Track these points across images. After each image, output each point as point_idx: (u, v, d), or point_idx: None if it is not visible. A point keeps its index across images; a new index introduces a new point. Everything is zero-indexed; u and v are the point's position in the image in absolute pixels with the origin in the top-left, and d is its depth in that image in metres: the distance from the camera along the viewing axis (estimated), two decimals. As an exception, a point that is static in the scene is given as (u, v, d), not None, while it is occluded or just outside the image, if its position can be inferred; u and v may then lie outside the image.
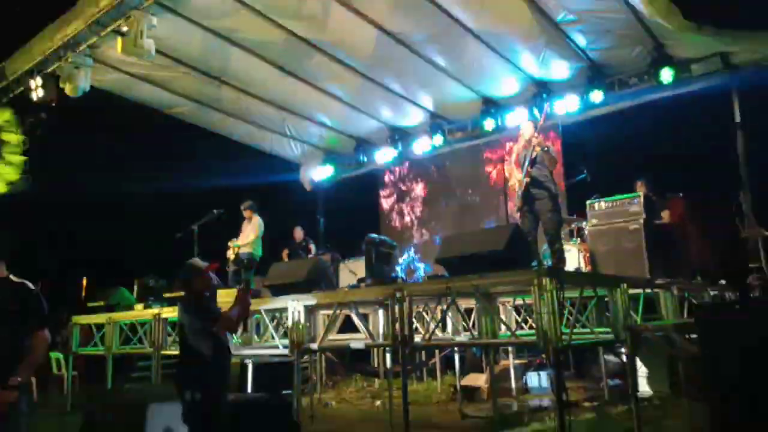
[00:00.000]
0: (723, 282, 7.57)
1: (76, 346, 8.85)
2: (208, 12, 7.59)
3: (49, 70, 8.23)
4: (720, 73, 7.95)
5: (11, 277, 3.31)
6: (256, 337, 7.13)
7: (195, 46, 8.31)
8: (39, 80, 8.27)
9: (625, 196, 6.46)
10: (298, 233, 10.05)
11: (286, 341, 5.89)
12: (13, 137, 9.01)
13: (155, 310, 7.58)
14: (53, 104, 8.40)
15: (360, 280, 6.56)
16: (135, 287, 8.52)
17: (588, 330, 6.23)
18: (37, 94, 8.30)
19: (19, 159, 8.98)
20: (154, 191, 11.17)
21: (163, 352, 7.54)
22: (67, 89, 7.77)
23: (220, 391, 4.11)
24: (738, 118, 7.90)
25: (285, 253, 9.76)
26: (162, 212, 10.89)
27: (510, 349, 8.52)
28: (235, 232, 8.76)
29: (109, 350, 8.05)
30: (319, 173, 12.48)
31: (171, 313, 7.51)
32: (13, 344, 3.15)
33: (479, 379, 8.08)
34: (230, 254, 8.53)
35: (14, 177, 9.01)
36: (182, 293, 4.50)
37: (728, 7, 7.57)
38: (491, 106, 9.92)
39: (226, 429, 4.04)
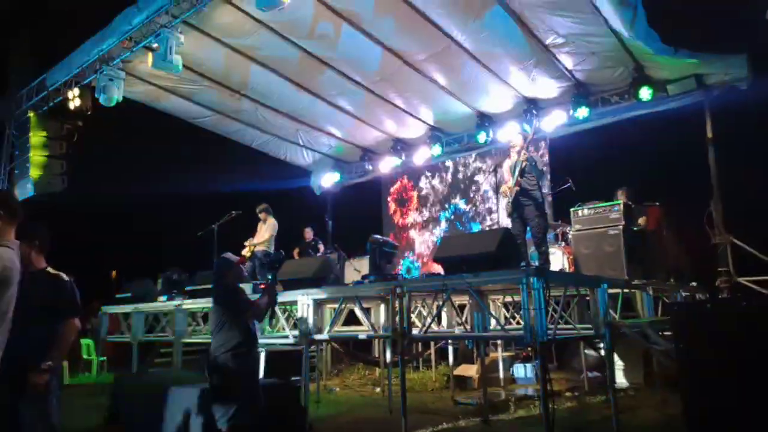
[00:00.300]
0: (694, 284, 7.55)
1: (105, 333, 8.87)
2: (231, 31, 7.61)
3: (85, 81, 8.27)
4: (694, 93, 7.95)
5: (48, 269, 3.31)
6: (268, 327, 7.13)
7: (218, 62, 8.34)
8: (76, 91, 8.30)
9: (606, 204, 6.46)
10: (308, 234, 10.06)
11: (296, 332, 5.89)
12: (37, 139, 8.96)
13: (177, 302, 7.59)
14: (88, 113, 8.44)
15: (364, 277, 6.54)
16: (160, 280, 8.53)
17: (571, 326, 6.22)
18: (74, 103, 8.33)
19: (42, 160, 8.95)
20: (179, 193, 11.20)
21: (183, 340, 7.55)
22: (101, 99, 7.79)
23: (250, 375, 4.13)
24: (710, 134, 7.89)
25: (296, 251, 9.76)
26: (185, 213, 10.92)
27: (499, 342, 8.50)
28: (251, 232, 8.77)
29: (134, 338, 8.06)
30: (328, 179, 12.50)
31: (192, 304, 7.53)
32: (47, 331, 3.15)
33: (470, 370, 8.07)
34: (246, 252, 8.54)
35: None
36: (216, 284, 4.55)
37: (702, 32, 7.56)
38: (485, 120, 9.92)
39: (257, 410, 4.05)
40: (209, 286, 7.38)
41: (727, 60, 7.60)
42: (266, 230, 8.44)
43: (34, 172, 8.86)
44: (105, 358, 9.81)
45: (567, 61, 8.13)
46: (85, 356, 9.90)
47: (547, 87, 8.82)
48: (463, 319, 6.96)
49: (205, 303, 7.37)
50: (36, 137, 9.03)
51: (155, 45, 7.01)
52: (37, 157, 9.03)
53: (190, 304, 7.52)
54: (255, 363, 4.38)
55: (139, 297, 8.41)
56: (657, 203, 7.57)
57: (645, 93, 8.18)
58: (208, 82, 8.83)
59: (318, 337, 6.00)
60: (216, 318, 4.36)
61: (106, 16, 7.55)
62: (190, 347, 8.92)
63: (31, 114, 9.17)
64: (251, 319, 4.24)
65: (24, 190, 8.97)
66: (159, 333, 8.04)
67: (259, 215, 8.53)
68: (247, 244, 8.50)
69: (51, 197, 9.07)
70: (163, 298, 8.01)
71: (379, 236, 7.13)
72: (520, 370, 8.34)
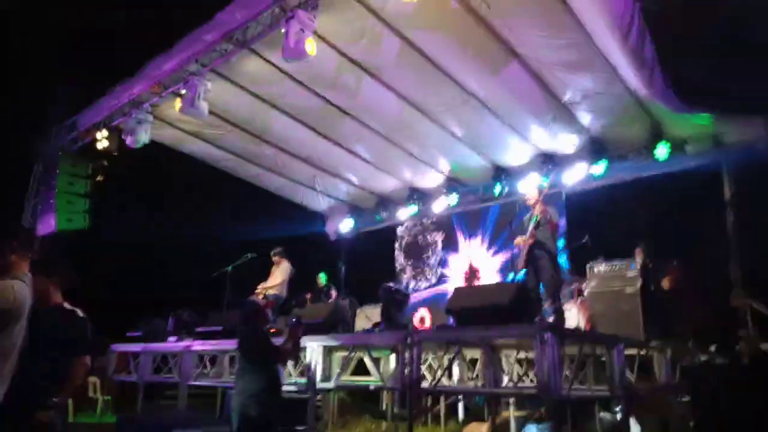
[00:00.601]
0: (713, 348, 7.30)
1: (112, 372, 8.80)
2: (256, 80, 7.87)
3: (114, 123, 8.56)
4: (712, 152, 7.94)
5: (65, 304, 3.32)
6: (291, 370, 7.01)
7: (243, 108, 8.58)
8: (105, 132, 8.59)
9: (623, 261, 6.38)
10: (320, 280, 10.04)
11: (303, 379, 5.78)
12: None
13: (187, 343, 7.54)
14: (114, 153, 8.70)
15: (374, 325, 6.49)
16: (170, 320, 8.52)
17: (585, 386, 6.02)
18: (102, 144, 8.61)
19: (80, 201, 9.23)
20: (195, 234, 11.33)
21: (189, 382, 7.46)
22: (129, 141, 8.04)
23: (271, 422, 4.09)
24: (728, 195, 7.82)
25: (308, 296, 9.71)
26: (200, 253, 11.00)
27: (511, 400, 8.23)
28: (264, 276, 8.78)
29: (141, 378, 7.98)
30: (343, 225, 12.56)
31: (201, 346, 7.48)
32: (57, 368, 3.14)
33: (481, 428, 7.76)
34: (259, 295, 8.52)
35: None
36: (242, 327, 4.57)
37: (720, 89, 7.61)
38: (502, 172, 9.99)
39: None
40: (220, 327, 7.36)
41: (745, 120, 7.62)
42: (279, 274, 8.45)
43: (59, 209, 9.07)
44: (110, 397, 9.68)
45: (584, 117, 8.22)
46: (91, 394, 9.79)
47: (564, 142, 8.89)
48: (475, 374, 6.78)
49: (214, 345, 7.32)
50: (63, 175, 9.30)
51: (183, 91, 7.26)
52: (62, 194, 9.27)
53: (199, 345, 7.46)
54: (278, 410, 4.33)
55: (149, 336, 8.39)
56: (674, 263, 7.44)
57: (661, 151, 8.18)
58: (232, 127, 9.07)
59: (325, 385, 5.88)
60: (241, 362, 4.36)
61: (139, 60, 7.88)
62: (196, 389, 8.80)
63: (61, 153, 9.48)
64: (274, 364, 4.24)
65: (47, 226, 9.16)
66: (166, 374, 7.96)
67: (273, 258, 8.57)
68: (259, 287, 8.50)
69: (74, 234, 9.24)
70: (172, 338, 7.97)
71: (391, 284, 7.09)
72: (533, 431, 8.01)
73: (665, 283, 6.90)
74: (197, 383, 7.73)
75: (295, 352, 4.40)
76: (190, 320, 8.19)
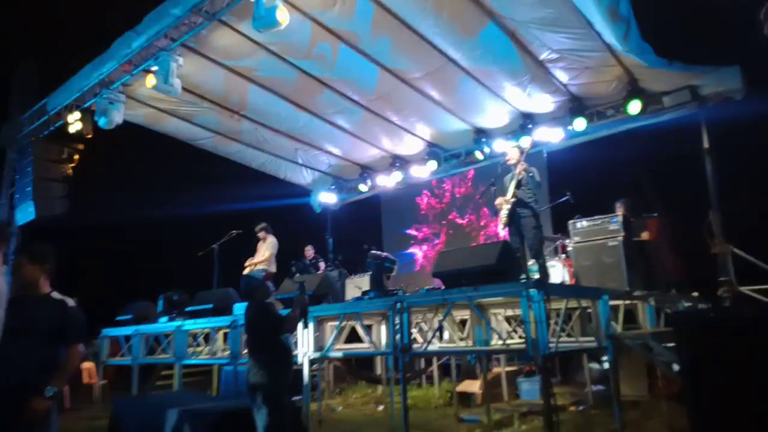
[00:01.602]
0: (696, 294, 7.49)
1: (105, 357, 8.79)
2: (230, 53, 7.66)
3: (86, 105, 8.31)
4: (689, 104, 7.97)
5: (54, 293, 3.29)
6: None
7: (217, 84, 8.38)
8: (76, 114, 8.34)
9: (605, 216, 6.44)
10: (309, 252, 10.02)
11: (296, 351, 5.82)
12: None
13: (178, 323, 7.54)
14: (89, 136, 8.47)
15: (364, 293, 6.51)
16: (160, 301, 8.48)
17: (573, 339, 6.15)
18: (75, 127, 8.36)
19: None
20: (179, 214, 11.20)
21: (184, 361, 7.48)
22: (101, 123, 7.82)
23: (284, 387, 4.14)
24: (706, 145, 7.90)
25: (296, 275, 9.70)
26: (185, 233, 10.90)
27: (502, 357, 8.41)
28: (252, 252, 8.74)
29: (135, 360, 7.99)
30: (327, 197, 12.51)
31: (193, 325, 7.47)
32: (51, 357, 3.14)
33: (474, 386, 7.96)
34: (247, 272, 8.49)
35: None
36: (248, 303, 4.58)
37: (695, 44, 7.62)
38: (482, 135, 9.96)
39: (287, 421, 4.07)
40: (210, 306, 7.35)
41: (721, 71, 7.64)
42: (266, 249, 8.40)
43: (36, 196, 8.86)
44: (105, 381, 9.69)
45: (562, 75, 8.18)
46: (86, 380, 9.79)
47: (542, 102, 8.86)
48: (465, 334, 6.89)
49: (206, 323, 7.32)
50: (38, 161, 9.05)
51: (155, 68, 7.04)
52: (38, 180, 9.05)
53: (191, 325, 7.46)
54: (292, 379, 4.39)
55: (139, 319, 8.36)
56: (655, 215, 7.55)
57: (634, 107, 8.21)
58: (208, 103, 8.87)
59: (318, 355, 5.93)
60: (252, 337, 4.38)
61: (106, 41, 7.61)
62: (190, 368, 8.84)
63: (32, 138, 9.21)
64: (285, 333, 4.28)
65: (25, 214, 8.96)
66: (160, 355, 7.97)
67: (258, 234, 8.51)
68: (247, 263, 8.46)
69: (52, 220, 9.06)
70: (164, 319, 7.95)
71: (378, 251, 7.11)
72: (524, 385, 8.23)
73: (647, 235, 7.00)
74: (192, 362, 7.77)
75: (304, 317, 4.42)
76: (179, 300, 8.16)
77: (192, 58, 7.49)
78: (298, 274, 8.23)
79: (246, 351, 4.68)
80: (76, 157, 9.06)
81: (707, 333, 3.40)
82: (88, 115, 8.30)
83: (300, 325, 4.52)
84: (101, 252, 11.20)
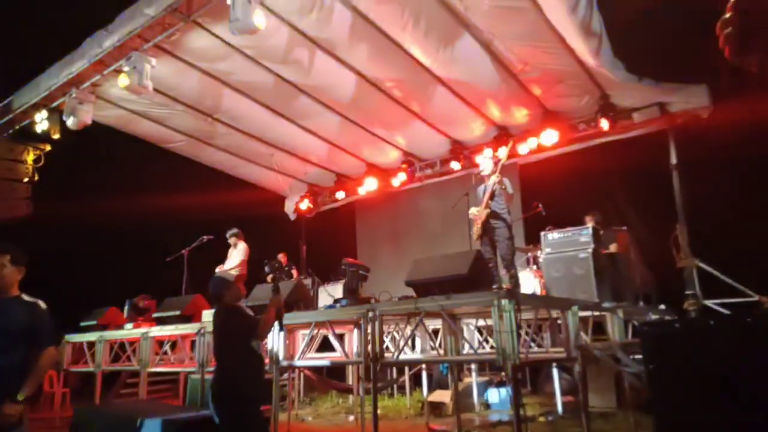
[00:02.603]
0: (663, 307, 7.62)
1: (67, 364, 8.49)
2: (204, 55, 7.56)
3: (54, 105, 8.09)
4: (658, 120, 8.18)
5: (23, 296, 3.22)
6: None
7: (191, 86, 8.24)
8: (44, 114, 8.10)
9: (576, 228, 6.52)
10: (282, 259, 9.91)
11: (266, 359, 5.70)
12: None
13: (144, 329, 7.34)
14: (56, 136, 8.23)
15: (336, 301, 6.43)
16: (126, 307, 8.25)
17: (543, 349, 6.18)
18: (42, 126, 8.13)
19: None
20: (148, 218, 10.94)
21: (149, 369, 7.28)
22: (70, 123, 7.61)
23: (255, 398, 3.93)
24: (674, 160, 8.10)
25: (270, 276, 9.56)
26: (154, 237, 10.64)
27: (473, 367, 8.42)
28: (222, 258, 8.58)
29: (98, 367, 7.74)
30: (302, 204, 12.41)
31: (159, 332, 7.28)
32: (23, 360, 3.04)
33: (445, 396, 7.93)
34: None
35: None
36: (214, 306, 4.35)
37: (665, 62, 7.83)
38: (458, 146, 10.03)
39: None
40: (177, 312, 7.17)
41: (689, 89, 7.87)
42: (237, 255, 8.26)
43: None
44: (68, 389, 9.36)
45: (535, 89, 8.29)
46: (47, 388, 9.43)
47: (516, 115, 8.97)
48: (437, 343, 6.87)
49: (172, 330, 7.13)
50: (1, 161, 8.75)
51: (126, 68, 6.89)
52: (1, 181, 8.75)
53: (157, 331, 7.27)
54: (264, 388, 4.16)
55: (104, 325, 8.12)
56: (624, 228, 7.68)
57: (604, 124, 8.38)
58: (181, 106, 8.72)
59: (288, 364, 5.83)
60: (218, 342, 4.13)
61: (77, 39, 7.42)
62: (156, 376, 8.60)
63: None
64: (258, 339, 4.05)
65: (-13, 215, 8.65)
66: (125, 362, 7.74)
67: (229, 240, 8.36)
68: (217, 270, 8.30)
69: (15, 222, 8.76)
70: (129, 325, 7.73)
71: (352, 260, 7.04)
72: (495, 395, 8.23)
73: (615, 247, 7.11)
74: (158, 369, 7.56)
75: (279, 320, 4.11)
76: (146, 306, 7.94)
77: (165, 60, 7.37)
78: (271, 275, 8.02)
79: (214, 357, 4.43)
80: (42, 157, 8.79)
81: (672, 343, 3.44)
82: (55, 114, 8.08)
83: (275, 329, 4.23)
84: (65, 255, 10.85)
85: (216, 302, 4.27)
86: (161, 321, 7.32)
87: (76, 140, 8.30)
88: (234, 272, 8.19)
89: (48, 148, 8.86)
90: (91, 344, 8.02)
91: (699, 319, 6.18)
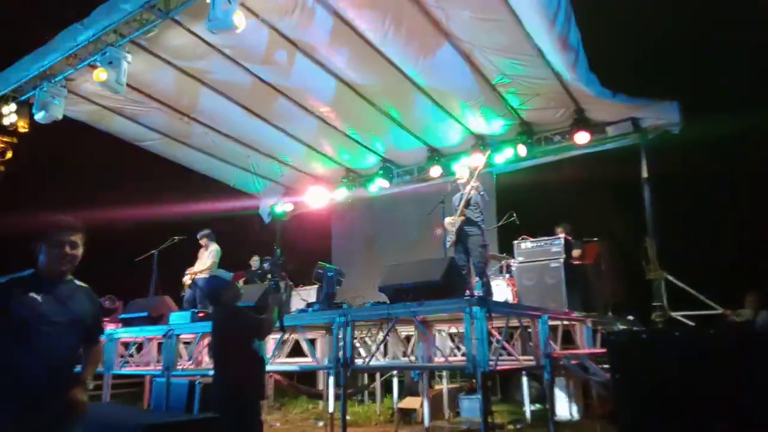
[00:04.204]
0: (631, 317, 7.78)
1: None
2: (181, 53, 7.47)
3: (24, 98, 7.88)
4: (631, 135, 8.37)
5: (75, 280, 2.74)
6: (206, 358, 6.79)
7: (167, 84, 8.13)
8: (12, 106, 7.89)
9: (548, 238, 6.62)
10: (255, 262, 9.80)
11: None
12: None
13: (109, 331, 7.16)
14: (24, 130, 8.01)
15: (308, 305, 6.39)
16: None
17: (513, 357, 6.23)
18: (9, 119, 7.90)
19: None
20: (117, 217, 10.71)
21: (113, 371, 7.11)
22: (39, 117, 7.42)
23: (258, 400, 3.84)
24: (645, 174, 8.29)
25: (242, 279, 9.44)
26: (124, 237, 10.42)
27: (444, 374, 8.43)
28: (193, 260, 8.45)
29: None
30: (278, 207, 12.31)
31: (125, 334, 7.12)
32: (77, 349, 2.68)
33: (415, 402, 7.92)
34: (186, 280, 8.19)
35: None
36: (213, 307, 4.22)
37: (638, 78, 8.04)
38: (436, 153, 10.10)
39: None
40: (144, 314, 7.03)
41: (661, 105, 8.08)
42: (208, 257, 8.13)
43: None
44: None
45: (513, 100, 8.41)
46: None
47: (494, 124, 9.09)
48: (409, 350, 6.87)
49: (139, 332, 6.99)
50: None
51: (100, 64, 6.75)
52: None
53: (122, 333, 7.11)
54: (264, 390, 4.05)
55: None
56: (596, 239, 7.83)
57: (581, 138, 8.54)
58: (156, 103, 8.58)
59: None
60: (219, 344, 4.02)
61: (51, 32, 7.24)
62: (120, 379, 8.39)
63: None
64: (261, 338, 3.95)
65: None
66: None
67: (201, 241, 8.24)
68: (188, 272, 8.17)
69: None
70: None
71: (326, 264, 7.01)
72: (465, 403, 8.25)
73: (586, 258, 7.23)
74: (122, 372, 7.38)
75: (281, 319, 4.01)
76: (111, 307, 7.76)
77: (141, 56, 7.25)
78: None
79: (212, 360, 4.27)
80: (9, 151, 8.55)
81: (637, 354, 3.51)
82: (25, 107, 7.87)
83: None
84: (28, 253, 10.55)
85: (213, 302, 4.16)
86: (127, 322, 7.16)
87: (43, 134, 8.09)
88: (203, 276, 8.08)
89: (15, 140, 8.61)
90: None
91: (664, 330, 6.32)
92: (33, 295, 2.48)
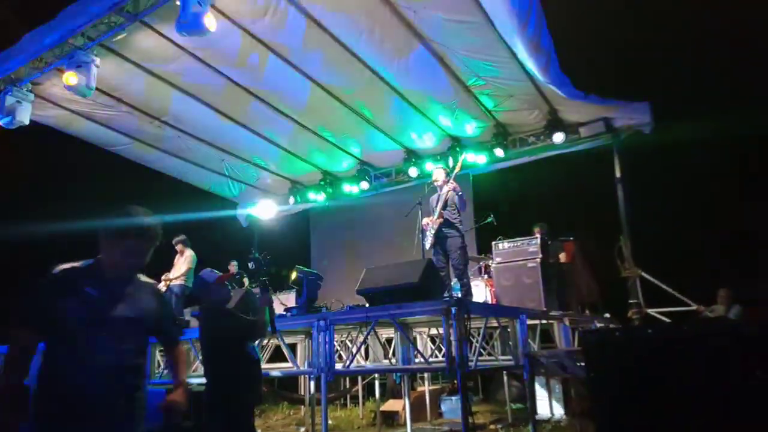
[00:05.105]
0: (608, 315, 7.90)
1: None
2: (152, 56, 7.33)
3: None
4: (604, 135, 8.51)
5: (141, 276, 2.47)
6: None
7: (137, 87, 7.97)
8: (-24, 111, 7.64)
9: (525, 238, 6.69)
10: (233, 267, 9.69)
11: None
12: None
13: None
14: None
15: (287, 310, 6.35)
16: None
17: (493, 357, 6.28)
18: (-27, 124, 7.65)
19: None
20: (86, 221, 10.46)
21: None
22: (4, 122, 7.21)
23: (252, 404, 3.72)
24: (618, 174, 8.43)
25: (226, 281, 9.31)
26: (93, 242, 10.18)
27: (426, 376, 8.45)
28: (168, 266, 8.31)
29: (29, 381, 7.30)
30: (255, 211, 12.19)
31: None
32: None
33: (397, 405, 7.93)
34: (162, 287, 8.06)
35: None
36: (201, 308, 4.06)
37: (610, 79, 8.18)
38: (412, 155, 10.13)
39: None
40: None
41: (632, 106, 8.23)
42: (183, 263, 8.02)
43: None
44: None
45: (487, 102, 8.48)
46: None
47: (469, 126, 9.15)
48: (390, 352, 6.87)
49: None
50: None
51: (67, 68, 6.59)
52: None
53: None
54: (259, 394, 3.93)
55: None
56: (571, 238, 7.93)
57: (558, 137, 8.67)
58: (126, 107, 8.42)
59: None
60: (209, 345, 3.86)
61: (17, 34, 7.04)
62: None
63: None
64: (254, 340, 3.83)
65: None
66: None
67: (176, 247, 8.11)
68: (163, 278, 8.03)
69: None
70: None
71: (304, 268, 6.97)
72: (446, 404, 8.29)
73: (562, 257, 7.32)
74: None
75: (271, 320, 3.82)
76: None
77: (110, 59, 7.11)
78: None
79: (203, 363, 4.05)
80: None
81: (612, 351, 3.56)
82: (-12, 112, 7.62)
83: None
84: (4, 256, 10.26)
85: (201, 303, 4.03)
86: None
87: (7, 139, 7.86)
88: (179, 282, 7.95)
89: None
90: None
91: (638, 327, 6.43)
92: (89, 290, 2.19)
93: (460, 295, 6.05)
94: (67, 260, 2.29)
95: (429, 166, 9.79)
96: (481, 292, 7.26)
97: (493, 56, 7.19)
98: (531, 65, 7.11)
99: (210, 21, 5.72)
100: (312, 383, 7.71)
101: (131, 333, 2.25)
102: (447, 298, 5.17)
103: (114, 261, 2.27)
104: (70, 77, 6.61)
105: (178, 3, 5.63)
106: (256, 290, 8.61)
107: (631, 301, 7.94)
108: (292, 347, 6.93)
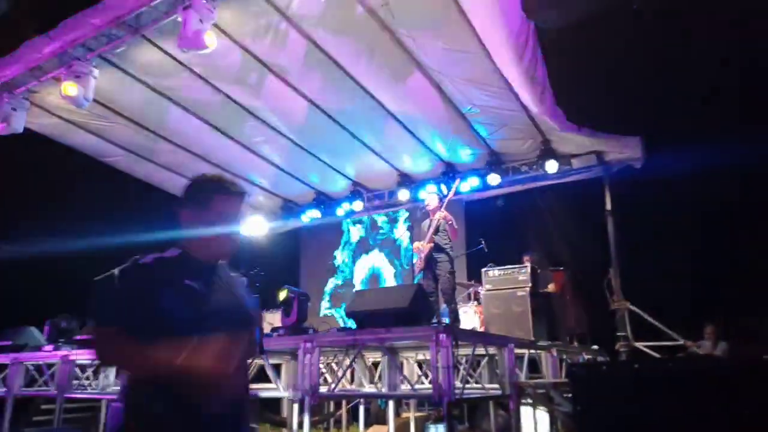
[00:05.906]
0: (595, 347, 7.89)
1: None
2: (150, 70, 7.38)
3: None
4: (595, 168, 8.63)
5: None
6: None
7: (134, 100, 8.00)
8: (-30, 117, 7.61)
9: (516, 266, 6.71)
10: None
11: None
12: None
13: (64, 352, 6.87)
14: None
15: (273, 330, 6.28)
16: (46, 328, 7.72)
17: (480, 386, 6.23)
18: (-33, 130, 7.62)
19: None
20: (76, 232, 10.36)
21: (67, 395, 6.80)
22: (-1, 129, 7.20)
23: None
24: (609, 206, 8.53)
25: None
26: (83, 255, 10.07)
27: (412, 402, 8.35)
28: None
29: (10, 392, 7.15)
30: (246, 229, 12.14)
31: (81, 355, 6.84)
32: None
33: (382, 431, 7.81)
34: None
35: None
36: None
37: (602, 113, 8.30)
38: (406, 179, 10.18)
39: None
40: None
41: (623, 140, 8.37)
42: (173, 278, 7.93)
43: None
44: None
45: (482, 130, 8.59)
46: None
47: (463, 153, 9.25)
48: (377, 376, 6.79)
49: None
50: None
51: (65, 78, 6.62)
52: None
53: (78, 354, 6.82)
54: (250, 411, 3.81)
55: (19, 346, 7.55)
56: (561, 268, 7.97)
57: (551, 166, 8.77)
58: (123, 119, 8.43)
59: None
60: None
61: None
62: (73, 403, 8.04)
63: None
64: (256, 356, 3.75)
65: None
66: (41, 387, 7.21)
67: (166, 261, 8.03)
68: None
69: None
70: (48, 347, 7.23)
71: (292, 287, 6.92)
72: (433, 431, 8.17)
73: (552, 287, 7.34)
74: (77, 395, 7.07)
75: (260, 339, 3.65)
76: (68, 327, 7.47)
77: (109, 71, 7.14)
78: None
79: None
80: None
81: (599, 385, 3.56)
82: (-18, 119, 7.60)
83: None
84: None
85: None
86: (84, 343, 6.88)
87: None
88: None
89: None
90: (3, 366, 7.43)
91: (625, 362, 6.43)
92: (189, 282, 1.79)
93: (448, 321, 6.04)
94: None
95: (422, 194, 9.85)
96: (470, 318, 7.24)
97: (489, 86, 7.30)
98: (526, 96, 7.24)
99: (210, 39, 5.78)
100: (296, 406, 7.61)
101: (244, 332, 1.89)
102: (436, 324, 5.15)
103: (207, 241, 1.86)
104: (70, 87, 6.63)
105: (179, 19, 5.69)
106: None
107: (619, 334, 7.95)
108: (277, 368, 6.85)
